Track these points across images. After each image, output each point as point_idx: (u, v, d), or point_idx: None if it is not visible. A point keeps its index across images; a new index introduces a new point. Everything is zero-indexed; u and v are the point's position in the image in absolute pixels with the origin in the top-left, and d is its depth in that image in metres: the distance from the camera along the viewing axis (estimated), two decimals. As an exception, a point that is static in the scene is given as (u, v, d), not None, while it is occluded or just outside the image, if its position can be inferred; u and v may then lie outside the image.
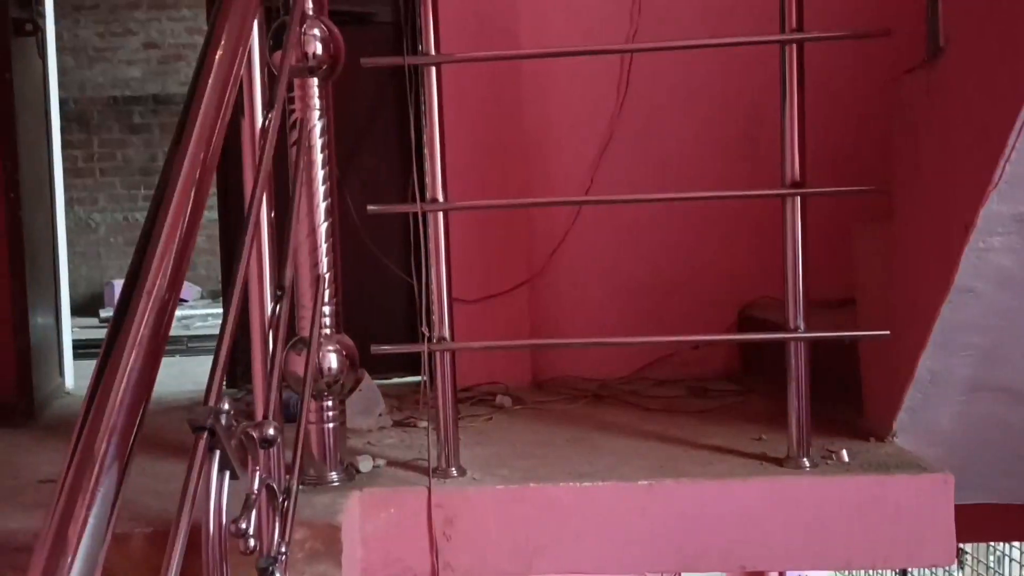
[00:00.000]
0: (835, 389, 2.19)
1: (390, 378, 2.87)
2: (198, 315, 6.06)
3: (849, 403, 2.05)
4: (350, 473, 1.72)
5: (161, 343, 0.90)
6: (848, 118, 2.51)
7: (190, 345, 4.45)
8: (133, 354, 0.87)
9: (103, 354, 0.87)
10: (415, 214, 2.67)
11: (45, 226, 2.76)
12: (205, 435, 0.98)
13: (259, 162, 1.33)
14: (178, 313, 5.20)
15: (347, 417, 2.09)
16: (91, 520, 0.77)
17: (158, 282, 0.92)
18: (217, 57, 1.16)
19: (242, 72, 1.25)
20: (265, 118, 1.36)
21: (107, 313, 6.38)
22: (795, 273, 1.69)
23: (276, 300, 1.36)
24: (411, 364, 2.75)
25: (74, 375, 2.97)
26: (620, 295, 2.81)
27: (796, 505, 1.63)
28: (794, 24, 1.64)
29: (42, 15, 2.72)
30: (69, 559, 0.74)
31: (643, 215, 2.80)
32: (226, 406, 1.03)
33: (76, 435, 0.81)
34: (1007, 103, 1.32)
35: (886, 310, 1.83)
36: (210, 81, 1.11)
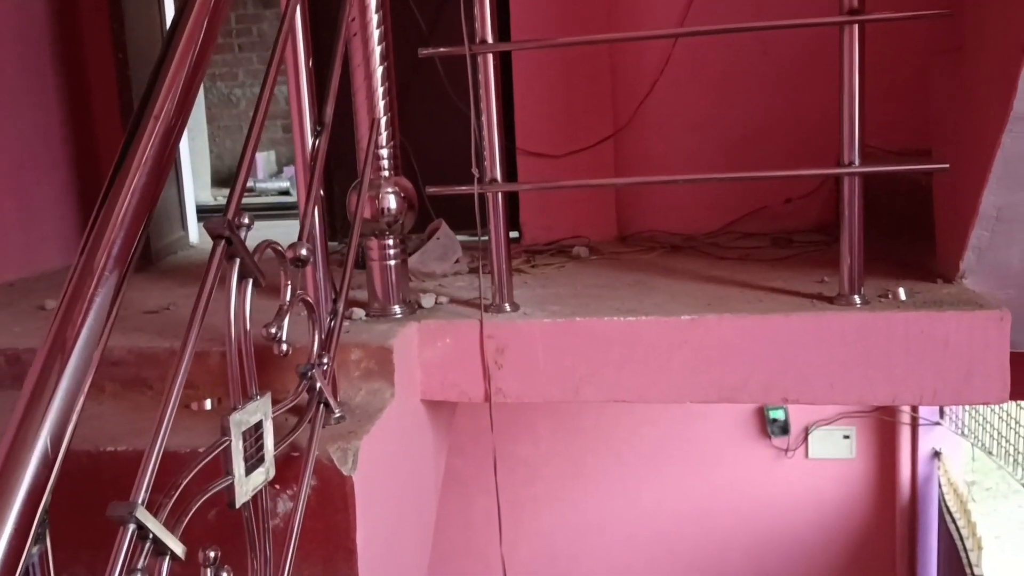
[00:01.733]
0: (916, 235, 2.13)
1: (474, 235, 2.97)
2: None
3: (927, 247, 1.99)
4: (412, 308, 1.84)
5: (166, 167, 1.00)
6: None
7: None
8: (136, 175, 0.97)
9: (110, 175, 0.97)
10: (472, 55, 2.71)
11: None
12: (223, 243, 1.10)
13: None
14: (274, 185, 5.55)
15: (422, 262, 2.21)
16: (87, 323, 0.87)
17: (165, 107, 1.01)
18: None
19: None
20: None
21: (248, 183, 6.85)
22: (851, 107, 1.64)
23: (316, 135, 1.45)
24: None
25: (199, 232, 3.22)
26: (711, 148, 2.77)
27: (840, 339, 1.63)
28: (856, 3, 1.56)
29: None
30: (66, 358, 0.85)
31: (735, 61, 2.72)
32: (246, 220, 1.14)
33: (79, 252, 0.92)
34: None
35: (955, 141, 1.76)
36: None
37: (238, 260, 1.11)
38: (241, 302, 1.13)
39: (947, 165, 1.61)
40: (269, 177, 7.38)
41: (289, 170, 7.25)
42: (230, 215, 1.10)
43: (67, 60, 2.83)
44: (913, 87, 2.48)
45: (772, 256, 2.28)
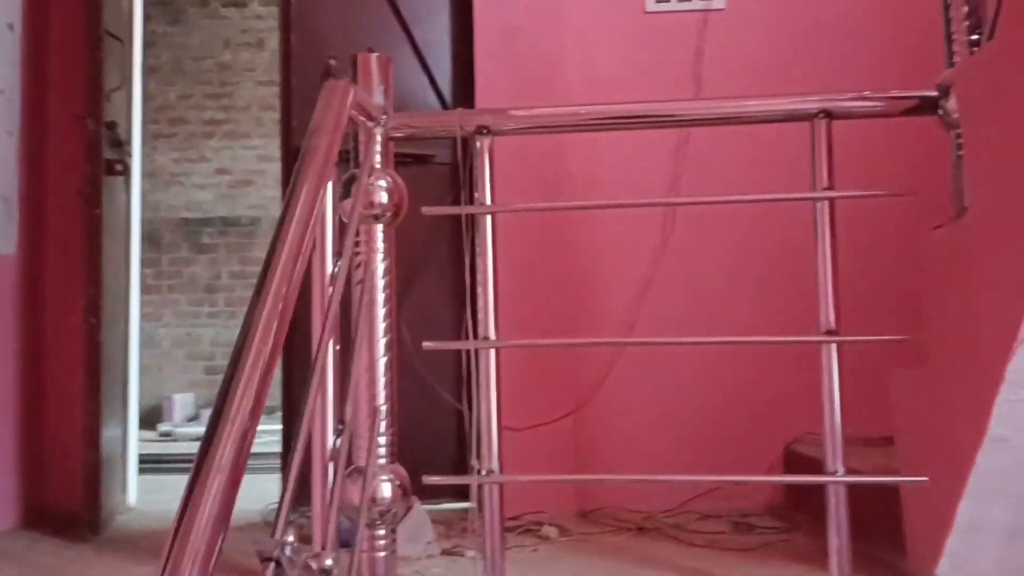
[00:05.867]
0: (876, 526, 2.20)
1: (439, 503, 2.94)
2: (249, 431, 6.19)
3: (890, 541, 2.06)
4: (398, 600, 1.78)
5: (241, 469, 0.99)
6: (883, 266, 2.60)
7: (243, 462, 4.55)
8: (217, 479, 0.96)
9: (192, 477, 0.96)
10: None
11: (119, 344, 2.93)
12: (272, 566, 1.07)
13: (328, 306, 1.45)
14: (192, 430, 5.32)
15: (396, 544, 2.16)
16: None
17: (240, 410, 1.02)
18: (295, 215, 1.30)
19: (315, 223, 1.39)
20: (335, 264, 1.50)
21: (166, 427, 6.53)
22: (832, 417, 1.75)
23: (337, 434, 1.46)
24: (459, 490, 2.82)
25: (136, 489, 3.08)
26: (664, 429, 2.87)
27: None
28: (825, 183, 1.75)
29: (130, 154, 2.96)
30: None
31: (687, 350, 2.88)
32: (291, 538, 1.12)
33: (163, 560, 0.90)
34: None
35: (924, 454, 1.87)
36: (288, 237, 1.25)
37: (283, 581, 1.08)
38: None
39: (926, 478, 1.70)
40: (185, 421, 7.15)
41: (208, 413, 7.06)
42: (278, 534, 1.08)
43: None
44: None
45: (739, 544, 2.31)
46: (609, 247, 2.93)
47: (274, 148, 7.83)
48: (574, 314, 2.83)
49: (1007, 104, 1.52)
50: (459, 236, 2.94)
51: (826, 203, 1.76)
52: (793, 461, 2.79)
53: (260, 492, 3.05)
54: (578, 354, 2.86)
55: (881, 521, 2.11)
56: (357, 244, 1.82)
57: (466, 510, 2.80)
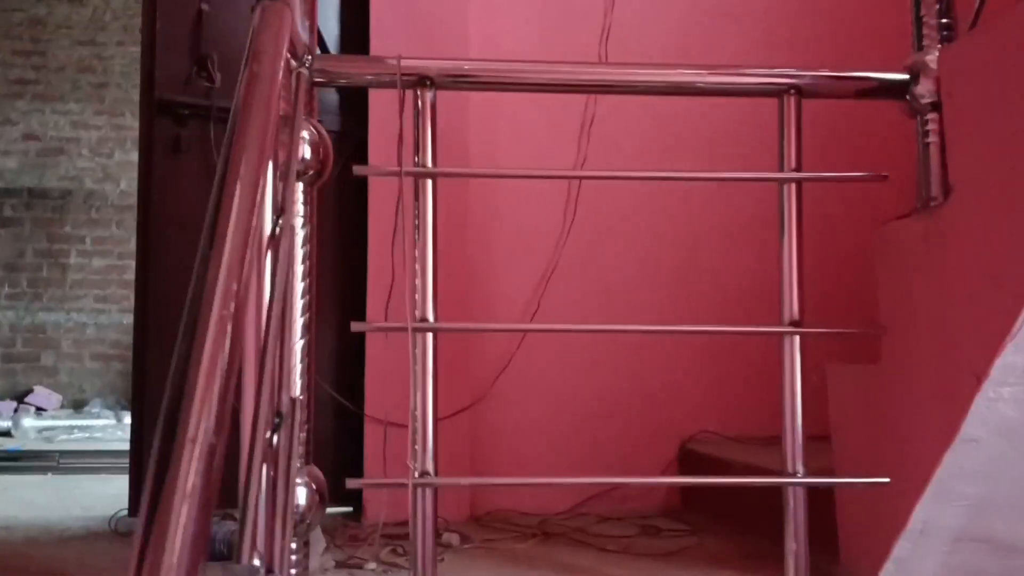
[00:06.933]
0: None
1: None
2: (62, 427, 5.53)
3: (819, 545, 1.98)
4: (310, 625, 1.51)
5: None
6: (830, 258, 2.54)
7: (62, 462, 4.01)
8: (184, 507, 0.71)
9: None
10: (360, 335, 2.55)
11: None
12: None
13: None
14: (38, 424, 4.71)
15: (287, 555, 1.88)
16: None
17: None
18: (243, 165, 1.04)
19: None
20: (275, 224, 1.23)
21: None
22: (793, 413, 1.64)
23: (274, 428, 1.19)
24: (338, 494, 2.55)
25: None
26: (562, 424, 2.72)
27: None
28: (793, 164, 1.64)
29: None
30: None
31: (586, 343, 2.74)
32: (257, 562, 0.87)
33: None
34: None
35: (868, 454, 1.80)
36: (236, 200, 0.98)
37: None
38: None
39: (887, 479, 1.63)
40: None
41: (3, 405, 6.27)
42: (245, 558, 0.83)
43: None
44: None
45: (655, 550, 2.18)
46: (509, 234, 2.74)
47: (91, 114, 7.13)
48: (472, 301, 2.62)
49: (1001, 90, 1.45)
50: (346, 209, 2.68)
51: (793, 185, 1.64)
52: (690, 460, 2.71)
53: (104, 496, 2.67)
54: (472, 347, 2.65)
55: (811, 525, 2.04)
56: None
57: (346, 515, 2.53)
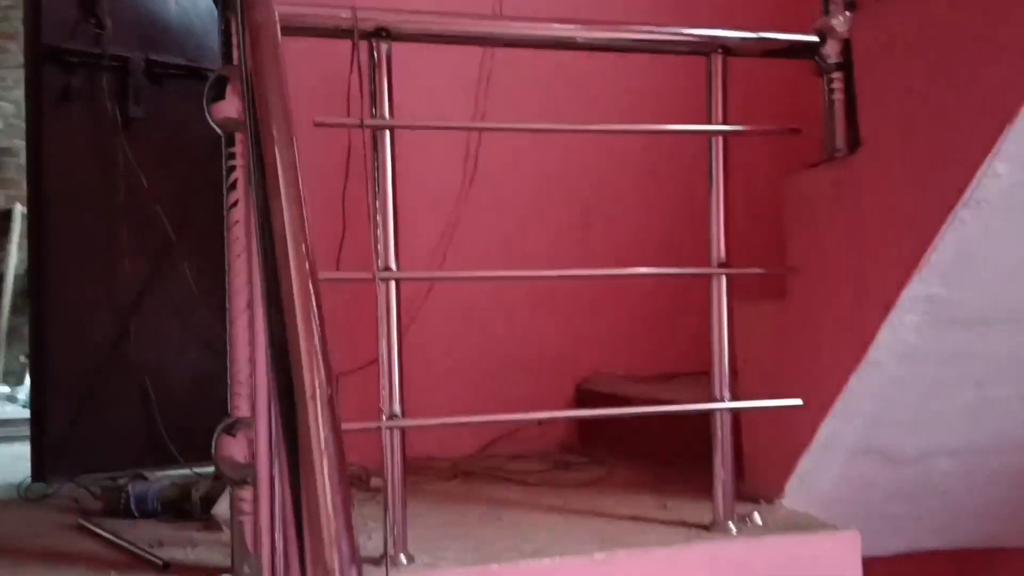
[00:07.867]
0: (708, 456, 2.32)
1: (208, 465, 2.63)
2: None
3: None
4: (286, 568, 1.55)
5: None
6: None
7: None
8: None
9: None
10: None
11: None
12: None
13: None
14: None
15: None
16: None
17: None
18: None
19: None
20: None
21: None
22: (720, 346, 1.81)
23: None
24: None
25: None
26: (465, 373, 2.82)
27: (736, 566, 1.71)
28: (720, 119, 1.79)
29: None
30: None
31: (484, 295, 2.84)
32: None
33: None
34: (936, 199, 1.53)
35: (774, 383, 1.99)
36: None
37: None
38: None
39: (800, 402, 1.82)
40: None
41: None
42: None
43: None
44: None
45: (573, 481, 2.32)
46: (414, 189, 2.77)
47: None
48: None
49: (907, 48, 1.64)
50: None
51: (720, 138, 1.79)
52: (587, 397, 2.87)
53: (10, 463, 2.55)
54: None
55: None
56: (232, 159, 1.55)
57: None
